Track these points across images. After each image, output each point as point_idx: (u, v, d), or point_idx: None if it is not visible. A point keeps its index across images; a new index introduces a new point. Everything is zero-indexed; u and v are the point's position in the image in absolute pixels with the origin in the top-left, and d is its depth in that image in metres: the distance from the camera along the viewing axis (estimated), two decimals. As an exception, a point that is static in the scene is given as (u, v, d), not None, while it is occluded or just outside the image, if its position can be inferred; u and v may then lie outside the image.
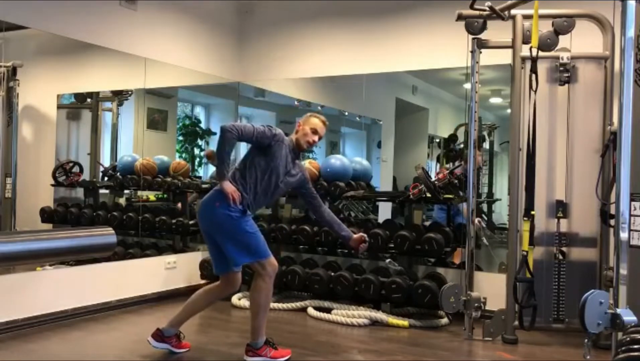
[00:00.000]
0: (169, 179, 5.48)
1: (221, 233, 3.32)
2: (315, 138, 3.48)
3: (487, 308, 4.00)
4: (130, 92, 5.47)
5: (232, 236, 3.30)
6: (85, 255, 1.68)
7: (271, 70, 5.80)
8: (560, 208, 3.89)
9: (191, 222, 5.37)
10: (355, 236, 3.61)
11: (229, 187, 3.24)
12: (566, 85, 3.94)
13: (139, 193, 5.63)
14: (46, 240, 1.54)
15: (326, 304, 4.64)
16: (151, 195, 5.80)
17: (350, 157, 5.70)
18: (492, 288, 4.17)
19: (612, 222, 3.14)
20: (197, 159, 6.62)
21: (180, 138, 6.42)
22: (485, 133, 6.23)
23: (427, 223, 5.02)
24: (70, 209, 5.12)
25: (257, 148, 3.39)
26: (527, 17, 3.84)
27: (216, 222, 3.32)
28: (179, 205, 5.68)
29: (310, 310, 4.55)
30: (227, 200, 3.23)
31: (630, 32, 2.45)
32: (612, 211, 3.11)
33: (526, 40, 3.87)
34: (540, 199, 3.87)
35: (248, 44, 5.91)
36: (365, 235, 3.65)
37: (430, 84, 6.60)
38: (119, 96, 5.51)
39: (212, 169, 6.55)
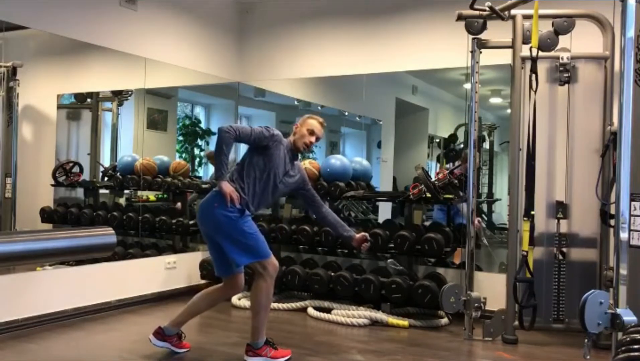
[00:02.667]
0: (169, 179, 5.48)
1: (221, 234, 3.32)
2: (313, 139, 3.48)
3: (487, 308, 4.00)
4: (130, 92, 5.47)
5: (232, 237, 3.30)
6: (85, 255, 1.67)
7: (271, 70, 5.80)
8: (560, 209, 3.89)
9: (191, 222, 5.38)
10: (357, 236, 3.61)
11: (227, 187, 3.24)
12: (566, 85, 3.94)
13: (139, 193, 5.63)
14: (46, 240, 1.54)
15: (326, 304, 4.64)
16: (151, 195, 5.80)
17: (350, 157, 5.69)
18: (492, 288, 4.17)
19: (612, 222, 3.14)
20: (197, 159, 6.62)
21: (180, 138, 6.42)
22: (485, 133, 6.23)
23: (427, 223, 5.02)
24: (70, 209, 5.12)
25: (255, 149, 3.40)
26: (527, 17, 3.84)
27: (215, 223, 3.31)
28: (179, 204, 5.68)
29: (310, 310, 4.55)
30: (226, 201, 3.23)
31: (630, 32, 2.45)
32: (612, 211, 3.11)
33: (526, 40, 3.87)
34: (540, 199, 3.87)
35: (248, 44, 5.90)
36: (367, 235, 3.65)
37: (430, 84, 6.59)
38: (119, 96, 5.51)
39: (212, 169, 6.55)
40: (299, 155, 3.68)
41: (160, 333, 3.50)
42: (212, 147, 6.38)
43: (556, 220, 3.90)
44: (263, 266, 3.36)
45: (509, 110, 4.08)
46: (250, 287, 3.49)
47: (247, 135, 3.28)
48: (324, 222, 3.68)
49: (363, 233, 3.64)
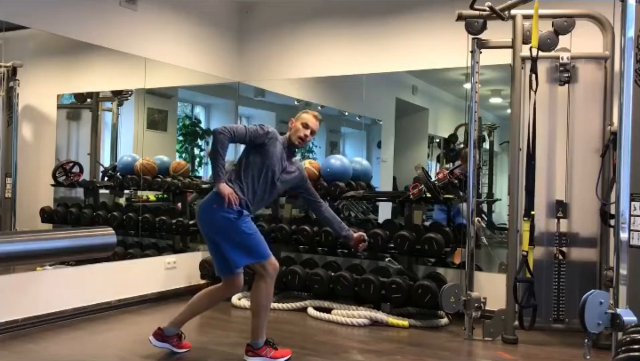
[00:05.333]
0: (169, 179, 5.48)
1: (220, 235, 3.32)
2: (307, 132, 3.47)
3: (487, 308, 4.00)
4: (130, 92, 5.47)
5: (231, 238, 3.30)
6: (85, 255, 1.67)
7: (271, 70, 5.80)
8: (560, 208, 3.89)
9: (191, 222, 5.37)
10: (355, 235, 3.63)
11: (225, 188, 3.25)
12: (566, 85, 3.94)
13: (139, 193, 5.63)
14: (46, 240, 1.53)
15: (326, 304, 4.64)
16: (151, 195, 5.80)
17: (350, 157, 5.69)
18: (492, 288, 4.17)
19: (612, 222, 3.14)
20: (197, 159, 6.62)
21: (180, 138, 6.42)
22: (485, 133, 6.23)
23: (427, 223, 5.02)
24: (70, 209, 5.12)
25: (252, 148, 3.40)
26: (527, 17, 3.84)
27: (214, 224, 3.31)
28: (179, 205, 5.68)
29: (310, 310, 4.55)
30: (224, 202, 3.23)
31: (630, 32, 2.45)
32: (612, 211, 3.11)
33: (526, 40, 3.87)
34: (540, 199, 3.87)
35: (248, 44, 5.90)
36: (365, 235, 3.66)
37: (430, 84, 6.59)
38: (119, 96, 5.51)
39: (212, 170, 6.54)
40: (297, 152, 3.69)
41: (160, 334, 3.50)
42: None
43: (556, 220, 3.90)
44: (263, 266, 3.36)
45: (509, 110, 4.08)
46: (250, 287, 3.49)
47: (242, 134, 3.29)
48: (323, 220, 3.71)
49: (360, 233, 3.65)
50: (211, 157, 3.29)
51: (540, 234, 3.86)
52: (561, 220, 3.90)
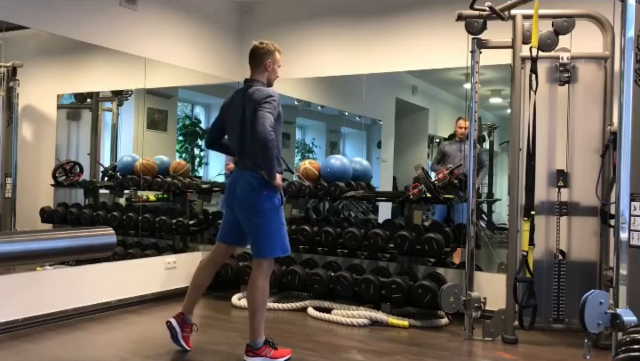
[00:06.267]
0: (169, 179, 5.48)
1: (260, 220, 3.33)
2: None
3: (487, 308, 4.00)
4: (130, 92, 5.47)
5: (270, 226, 3.34)
6: (85, 255, 1.67)
7: (271, 70, 5.78)
8: (562, 177, 3.90)
9: (191, 222, 5.38)
10: None
11: (279, 180, 3.33)
12: (566, 85, 3.94)
13: (139, 193, 5.63)
14: (46, 240, 1.53)
15: (326, 304, 4.64)
16: (151, 195, 5.81)
17: (350, 157, 5.70)
18: (492, 288, 4.17)
19: (612, 222, 3.14)
20: (197, 159, 6.63)
21: (180, 138, 6.43)
22: (485, 133, 6.24)
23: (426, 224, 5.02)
24: (70, 209, 5.12)
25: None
26: (527, 17, 3.84)
27: (260, 209, 3.32)
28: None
29: (310, 310, 4.55)
30: (277, 190, 3.32)
31: (630, 32, 2.45)
32: (612, 211, 3.11)
33: (526, 40, 3.87)
34: (540, 199, 3.87)
35: (248, 44, 5.85)
36: None
37: (430, 84, 6.60)
38: (119, 96, 5.51)
39: (212, 170, 6.55)
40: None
41: (181, 318, 3.52)
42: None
43: (556, 221, 3.91)
44: (270, 263, 3.39)
45: (509, 110, 4.09)
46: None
47: (274, 121, 3.28)
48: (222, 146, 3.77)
49: None
50: (268, 162, 3.23)
51: (540, 203, 3.84)
52: (561, 218, 3.90)
